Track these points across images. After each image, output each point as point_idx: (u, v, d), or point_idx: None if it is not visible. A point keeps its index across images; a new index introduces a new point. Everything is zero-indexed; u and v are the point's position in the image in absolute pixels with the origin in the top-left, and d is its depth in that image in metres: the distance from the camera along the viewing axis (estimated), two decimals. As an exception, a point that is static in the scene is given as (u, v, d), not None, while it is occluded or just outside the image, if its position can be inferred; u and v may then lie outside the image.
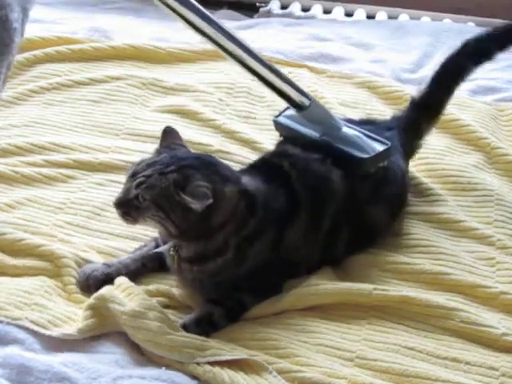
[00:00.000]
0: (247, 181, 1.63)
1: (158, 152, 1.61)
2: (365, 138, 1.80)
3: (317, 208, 1.68)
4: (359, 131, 1.81)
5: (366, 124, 1.92)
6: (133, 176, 1.55)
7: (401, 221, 1.87)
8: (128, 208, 1.54)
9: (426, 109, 1.98)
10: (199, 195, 1.50)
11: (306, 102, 1.77)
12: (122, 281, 1.61)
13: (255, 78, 1.74)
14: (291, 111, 1.84)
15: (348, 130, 1.81)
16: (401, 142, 1.90)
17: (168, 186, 1.52)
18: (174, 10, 1.66)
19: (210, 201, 1.50)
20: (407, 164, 1.94)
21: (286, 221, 1.64)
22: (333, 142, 1.77)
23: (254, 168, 1.74)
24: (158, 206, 1.52)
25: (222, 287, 1.60)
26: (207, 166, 1.58)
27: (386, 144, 1.79)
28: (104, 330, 1.53)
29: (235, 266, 1.59)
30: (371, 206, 1.77)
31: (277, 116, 1.89)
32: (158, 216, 1.52)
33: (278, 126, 1.88)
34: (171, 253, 1.60)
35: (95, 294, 1.56)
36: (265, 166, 1.74)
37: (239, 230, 1.58)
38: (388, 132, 1.88)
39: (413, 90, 2.37)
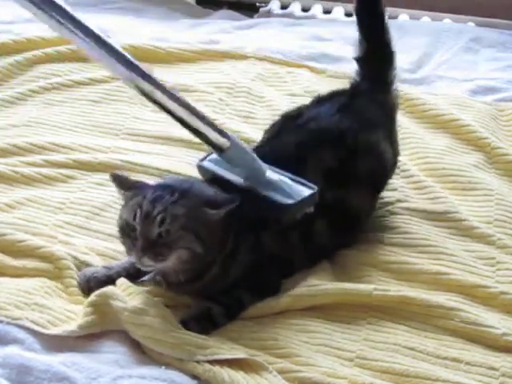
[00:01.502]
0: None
1: (132, 194, 1.57)
2: (290, 182, 1.69)
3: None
4: (284, 175, 1.71)
5: (322, 101, 1.87)
6: (146, 218, 1.52)
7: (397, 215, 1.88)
8: (157, 248, 1.52)
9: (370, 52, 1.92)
10: (222, 209, 1.54)
11: (226, 143, 1.64)
12: (123, 281, 1.61)
13: (172, 119, 1.60)
14: (214, 155, 1.72)
15: (272, 174, 1.70)
16: (370, 97, 1.87)
17: (192, 205, 1.53)
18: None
19: (233, 205, 1.54)
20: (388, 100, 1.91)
21: (260, 225, 1.64)
22: (257, 188, 1.67)
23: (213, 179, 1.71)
24: (189, 229, 1.52)
25: (216, 293, 1.60)
26: (197, 188, 1.60)
27: (312, 188, 1.68)
28: (104, 328, 1.53)
29: (229, 270, 1.60)
30: (347, 190, 1.74)
31: (201, 160, 1.77)
32: (189, 241, 1.52)
33: (202, 170, 1.76)
34: (158, 279, 1.60)
35: (97, 292, 1.56)
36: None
37: (222, 247, 1.59)
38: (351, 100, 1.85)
39: (413, 90, 2.38)
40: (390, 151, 1.84)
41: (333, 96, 1.90)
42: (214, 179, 1.69)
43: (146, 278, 1.62)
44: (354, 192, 1.76)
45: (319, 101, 1.90)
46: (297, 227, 1.69)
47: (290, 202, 1.65)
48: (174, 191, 1.55)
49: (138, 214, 1.52)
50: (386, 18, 1.91)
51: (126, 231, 1.54)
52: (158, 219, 1.51)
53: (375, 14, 1.90)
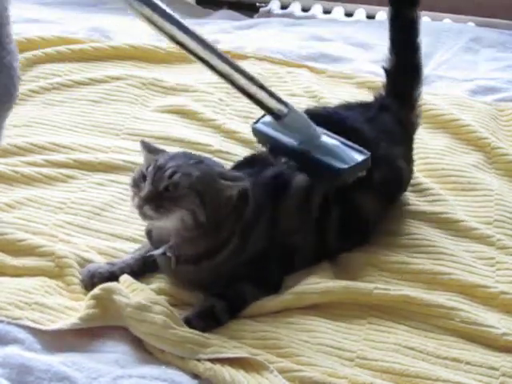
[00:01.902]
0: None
1: (156, 157, 1.61)
2: (344, 147, 1.75)
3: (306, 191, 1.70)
4: (339, 140, 1.76)
5: (350, 109, 1.90)
6: (159, 169, 1.56)
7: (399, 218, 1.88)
8: (161, 200, 1.53)
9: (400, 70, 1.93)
10: (234, 184, 1.58)
11: (284, 109, 1.72)
12: (126, 278, 1.62)
13: (230, 87, 1.70)
14: (270, 118, 1.79)
15: (327, 139, 1.76)
16: (394, 116, 1.89)
17: (203, 172, 1.57)
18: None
19: (245, 186, 1.58)
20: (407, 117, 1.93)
21: (277, 204, 1.66)
22: (311, 152, 1.73)
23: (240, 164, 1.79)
24: (197, 191, 1.54)
25: (222, 280, 1.61)
26: (214, 162, 1.67)
27: (365, 154, 1.74)
28: (105, 323, 1.53)
29: (240, 252, 1.61)
30: (360, 193, 1.76)
31: (255, 122, 1.86)
32: (193, 204, 1.54)
33: (255, 132, 1.85)
34: (168, 254, 1.60)
35: (101, 286, 1.56)
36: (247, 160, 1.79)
37: (239, 217, 1.61)
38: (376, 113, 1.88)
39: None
40: (406, 168, 1.87)
41: (361, 106, 1.93)
42: (266, 142, 1.76)
43: (157, 251, 1.61)
44: (367, 198, 1.77)
45: (348, 107, 1.93)
46: (315, 213, 1.71)
47: (344, 166, 1.71)
48: (192, 158, 1.61)
49: (152, 165, 1.56)
50: (419, 34, 1.91)
51: (137, 182, 1.57)
52: (169, 171, 1.54)
53: (410, 29, 1.90)
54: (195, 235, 1.58)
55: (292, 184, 1.69)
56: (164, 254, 1.61)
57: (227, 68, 1.65)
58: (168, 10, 1.58)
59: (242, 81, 1.67)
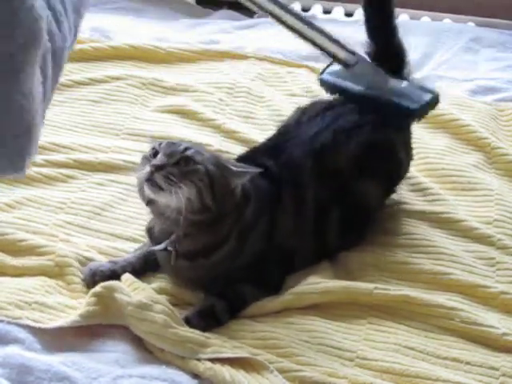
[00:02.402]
0: None
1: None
2: (412, 88, 1.83)
3: (298, 190, 1.70)
4: (407, 83, 1.84)
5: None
6: (173, 144, 1.58)
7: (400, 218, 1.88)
8: (172, 171, 1.53)
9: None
10: (241, 172, 1.58)
11: (354, 58, 1.81)
12: (128, 277, 1.62)
13: (304, 40, 1.80)
14: (334, 67, 1.87)
15: (395, 82, 1.83)
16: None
17: (213, 155, 1.60)
18: None
19: (253, 172, 1.58)
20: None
21: (276, 205, 1.67)
22: (381, 96, 1.80)
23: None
24: (207, 169, 1.55)
25: (220, 280, 1.61)
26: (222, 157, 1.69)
27: (433, 92, 1.82)
28: (106, 321, 1.53)
29: (237, 254, 1.61)
30: (359, 183, 1.76)
31: (321, 73, 1.91)
32: (202, 182, 1.54)
33: (323, 83, 1.90)
34: (169, 248, 1.60)
35: (102, 283, 1.56)
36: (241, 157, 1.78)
37: (239, 217, 1.61)
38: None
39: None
40: (404, 155, 1.87)
41: None
42: (335, 91, 1.82)
43: (159, 246, 1.61)
44: (367, 187, 1.77)
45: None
46: (313, 214, 1.71)
47: (415, 105, 1.78)
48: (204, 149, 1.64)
49: (166, 141, 1.58)
50: (395, 20, 1.93)
51: (148, 157, 1.56)
52: (182, 146, 1.57)
53: (384, 15, 1.91)
54: (197, 223, 1.57)
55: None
56: (165, 249, 1.61)
57: (298, 22, 1.75)
58: None
59: (313, 34, 1.77)
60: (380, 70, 1.84)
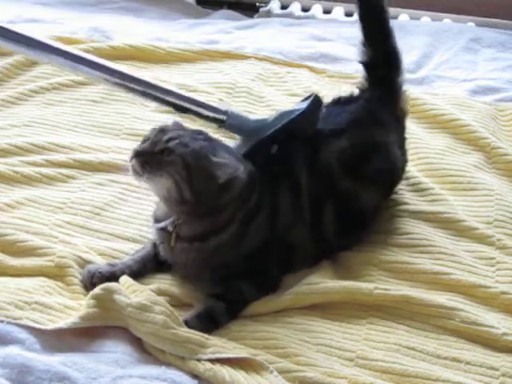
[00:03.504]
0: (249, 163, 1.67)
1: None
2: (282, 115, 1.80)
3: (294, 184, 1.70)
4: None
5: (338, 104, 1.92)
6: (162, 131, 1.59)
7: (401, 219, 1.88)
8: (150, 159, 1.55)
9: (378, 62, 1.93)
10: (229, 165, 1.56)
11: (223, 116, 1.81)
12: (126, 279, 1.62)
13: (174, 110, 1.82)
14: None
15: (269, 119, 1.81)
16: (381, 104, 1.88)
17: (200, 148, 1.57)
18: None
19: (239, 171, 1.56)
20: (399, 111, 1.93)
21: (277, 196, 1.67)
22: (264, 134, 1.76)
23: None
24: (186, 163, 1.55)
25: (219, 271, 1.61)
26: (226, 146, 1.67)
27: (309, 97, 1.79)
28: (105, 322, 1.53)
29: (238, 242, 1.61)
30: (353, 184, 1.75)
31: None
32: (179, 174, 1.54)
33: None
34: (169, 228, 1.61)
35: (101, 285, 1.56)
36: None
37: (244, 204, 1.61)
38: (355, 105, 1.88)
39: (413, 90, 2.38)
40: (399, 155, 1.87)
41: (351, 99, 1.93)
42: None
43: (160, 224, 1.62)
44: (362, 187, 1.77)
45: (339, 101, 1.93)
46: (310, 210, 1.70)
47: (298, 112, 1.76)
48: (202, 135, 1.62)
49: (159, 127, 1.60)
50: (390, 22, 1.92)
51: (144, 139, 1.60)
52: (167, 136, 1.57)
53: (379, 18, 1.91)
54: (188, 212, 1.58)
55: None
56: (165, 229, 1.61)
57: (166, 96, 1.79)
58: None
59: (181, 102, 1.79)
60: (247, 118, 1.85)
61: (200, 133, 1.64)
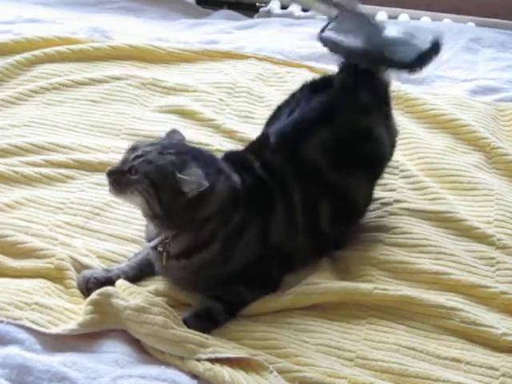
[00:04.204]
0: (234, 176, 1.64)
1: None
2: (408, 34, 1.80)
3: (284, 188, 1.68)
4: (402, 28, 1.82)
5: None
6: (132, 149, 1.59)
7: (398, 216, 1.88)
8: (119, 177, 1.56)
9: None
10: (193, 181, 1.53)
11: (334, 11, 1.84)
12: (122, 282, 1.62)
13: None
14: (333, 24, 1.86)
15: (390, 28, 1.82)
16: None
17: (165, 164, 1.55)
18: None
19: (204, 187, 1.53)
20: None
21: (269, 210, 1.65)
22: (379, 47, 1.77)
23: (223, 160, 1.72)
24: (151, 181, 1.54)
25: (212, 281, 1.61)
26: (204, 157, 1.62)
27: (435, 37, 1.78)
28: (104, 327, 1.53)
29: (221, 260, 1.60)
30: (340, 174, 1.73)
31: (321, 31, 1.90)
32: (147, 192, 1.54)
33: (322, 40, 1.90)
34: (159, 249, 1.61)
35: (98, 290, 1.56)
36: (230, 158, 1.73)
37: (226, 223, 1.59)
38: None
39: (413, 90, 2.38)
40: (385, 135, 1.82)
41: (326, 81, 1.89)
42: (334, 47, 1.79)
43: (150, 243, 1.62)
44: (349, 175, 1.75)
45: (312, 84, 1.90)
46: (303, 211, 1.69)
47: (413, 56, 1.75)
48: (174, 148, 1.59)
49: (132, 144, 1.61)
50: None
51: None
52: (134, 154, 1.57)
53: None
54: (169, 227, 1.58)
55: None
56: (155, 248, 1.61)
57: None
58: None
59: None
60: (371, 19, 1.84)
61: (173, 146, 1.60)
